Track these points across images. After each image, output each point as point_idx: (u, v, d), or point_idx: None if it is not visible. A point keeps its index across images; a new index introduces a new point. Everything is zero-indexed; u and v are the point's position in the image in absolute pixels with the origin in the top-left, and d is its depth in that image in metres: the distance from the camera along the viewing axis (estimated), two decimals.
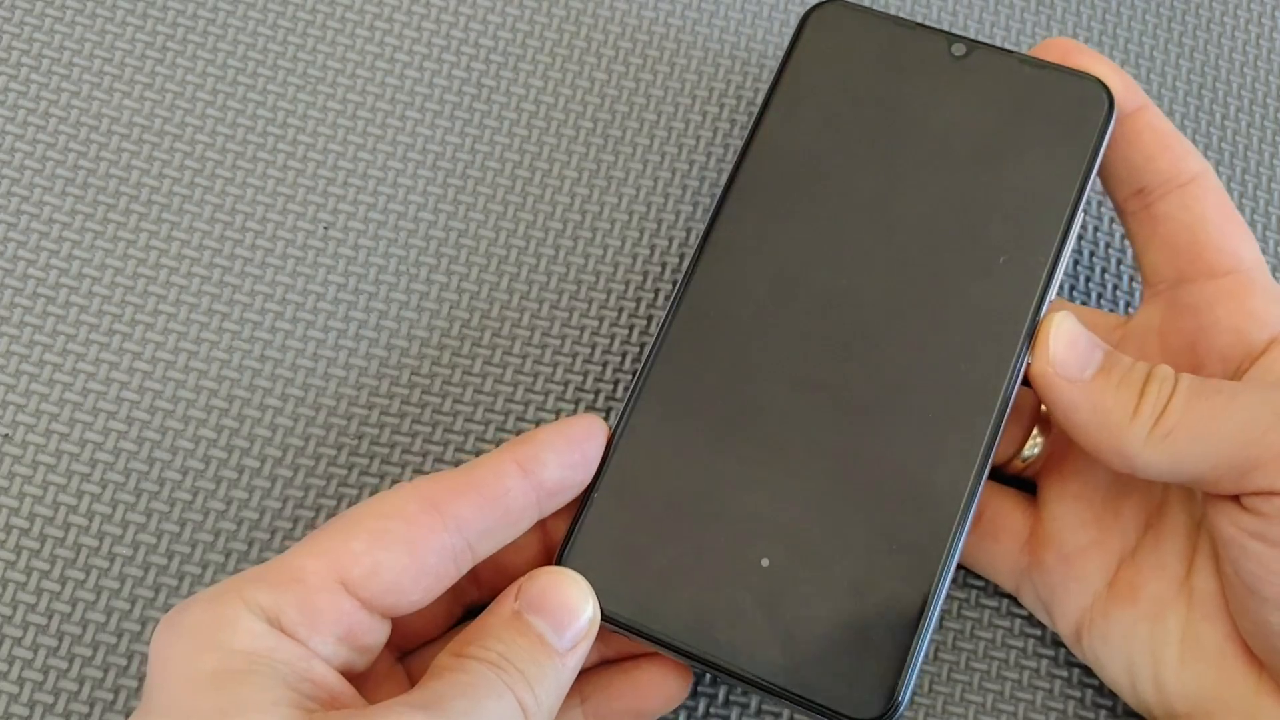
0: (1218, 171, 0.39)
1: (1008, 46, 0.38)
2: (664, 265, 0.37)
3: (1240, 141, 0.40)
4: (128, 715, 0.32)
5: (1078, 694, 0.34)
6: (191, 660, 0.26)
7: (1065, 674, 0.34)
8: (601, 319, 0.37)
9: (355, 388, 0.36)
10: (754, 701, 0.33)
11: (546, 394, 0.36)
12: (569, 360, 0.36)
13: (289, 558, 0.27)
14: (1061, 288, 0.38)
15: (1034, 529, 0.33)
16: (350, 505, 0.34)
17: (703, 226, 0.34)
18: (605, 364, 0.36)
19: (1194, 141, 0.40)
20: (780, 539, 0.30)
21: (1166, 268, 0.33)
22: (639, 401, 0.31)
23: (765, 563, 0.30)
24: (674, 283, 0.37)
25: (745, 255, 0.33)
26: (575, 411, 0.36)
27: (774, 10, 0.40)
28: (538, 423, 0.35)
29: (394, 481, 0.35)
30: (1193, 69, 0.41)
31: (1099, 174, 0.33)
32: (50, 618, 0.33)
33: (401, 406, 0.35)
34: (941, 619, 0.34)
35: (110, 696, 0.32)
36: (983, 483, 0.30)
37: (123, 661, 0.33)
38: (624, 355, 0.36)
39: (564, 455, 0.30)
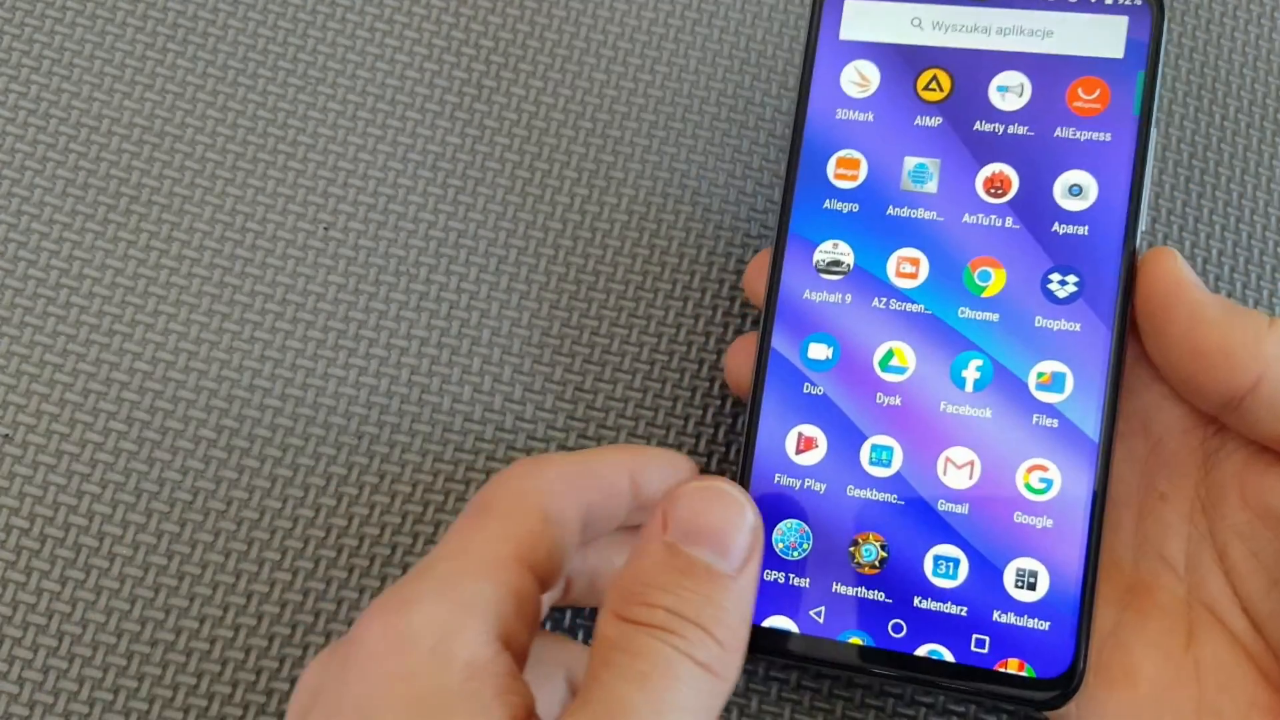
0: (1217, 173, 0.39)
1: None
2: (664, 265, 0.37)
3: (1240, 142, 0.40)
4: (128, 715, 0.32)
5: None
6: (415, 673, 0.25)
7: None
8: (601, 319, 0.37)
9: (354, 388, 0.36)
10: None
11: (545, 394, 0.36)
12: (569, 360, 0.36)
13: (480, 545, 0.27)
14: None
15: None
16: (349, 506, 0.34)
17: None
18: (605, 364, 0.36)
19: (1194, 142, 0.40)
20: (907, 521, 0.31)
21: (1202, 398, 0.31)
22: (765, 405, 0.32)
23: (891, 549, 0.31)
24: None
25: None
26: (575, 411, 0.36)
27: (774, 10, 0.40)
28: (537, 423, 0.36)
29: (393, 483, 0.35)
30: (1192, 69, 0.41)
31: None
32: (50, 618, 0.33)
33: (401, 407, 0.35)
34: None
35: (110, 697, 0.32)
36: (1110, 448, 0.31)
37: (123, 662, 0.33)
38: (624, 356, 0.36)
39: (665, 478, 0.30)
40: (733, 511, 0.27)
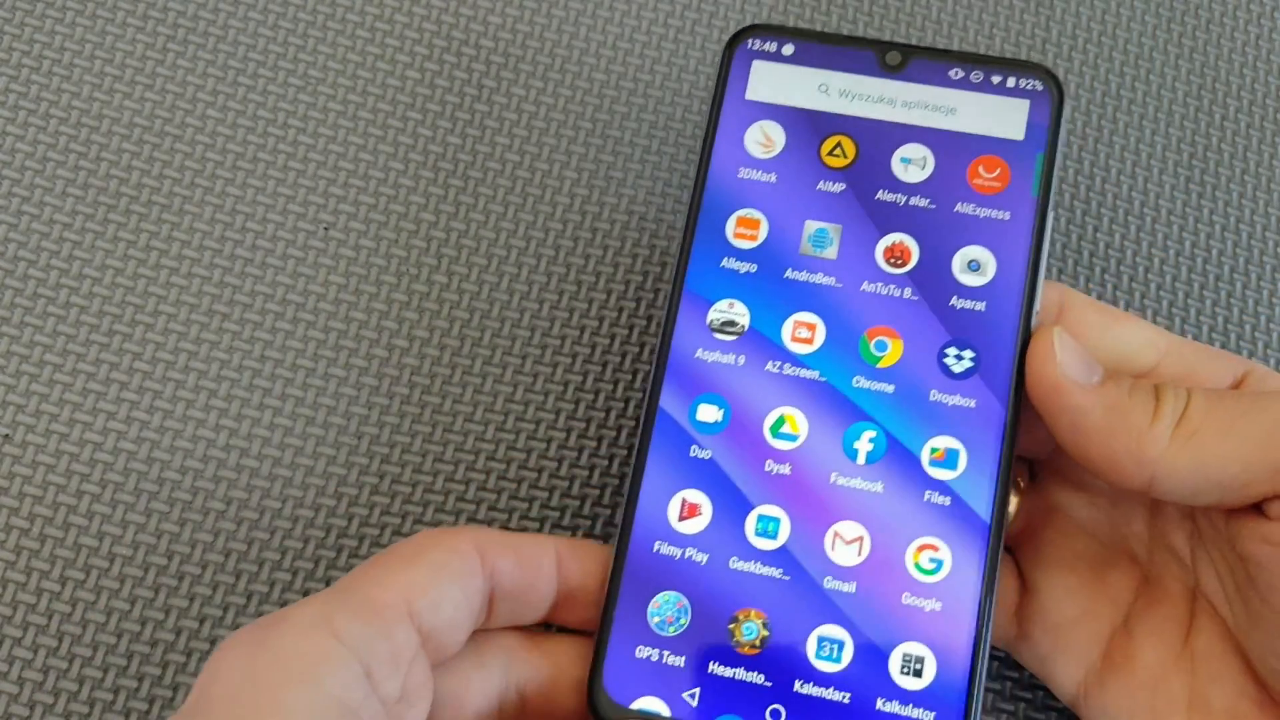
0: (1217, 173, 0.40)
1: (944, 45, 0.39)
2: (664, 265, 0.37)
3: (1240, 142, 0.40)
4: (128, 715, 0.32)
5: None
6: (287, 693, 0.25)
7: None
8: (602, 319, 0.37)
9: (355, 388, 0.36)
10: None
11: (546, 394, 0.36)
12: (569, 361, 0.36)
13: (364, 586, 0.27)
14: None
15: (1020, 599, 0.32)
16: (349, 506, 0.34)
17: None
18: (605, 364, 0.36)
19: (1194, 142, 0.40)
20: (791, 598, 0.30)
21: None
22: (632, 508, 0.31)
23: (773, 627, 0.30)
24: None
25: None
26: (576, 411, 0.36)
27: (773, 11, 0.40)
28: (537, 423, 0.36)
29: (394, 483, 0.35)
30: (1192, 69, 0.41)
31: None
32: (50, 618, 0.33)
33: (401, 407, 0.35)
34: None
35: (110, 697, 0.32)
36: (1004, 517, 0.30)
37: (123, 662, 0.33)
38: (624, 356, 0.36)
39: (592, 569, 0.30)
40: None
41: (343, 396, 0.35)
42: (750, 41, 0.34)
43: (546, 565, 0.29)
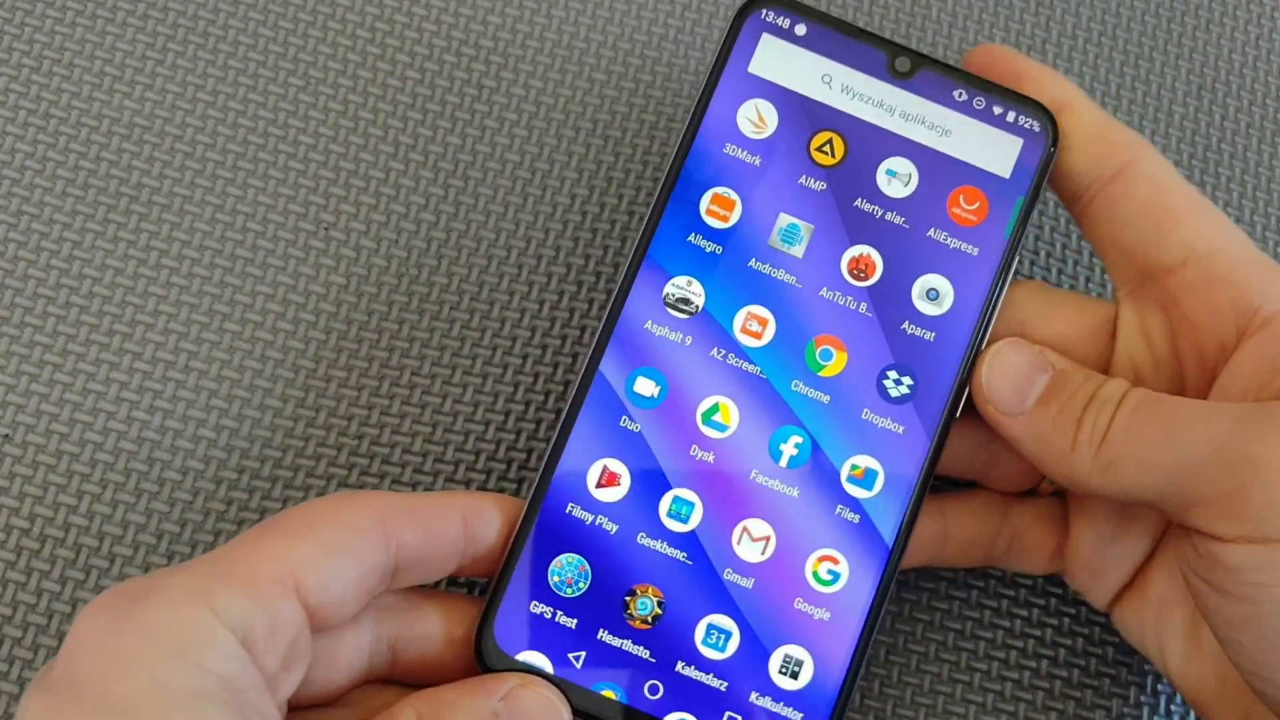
0: (1217, 173, 0.40)
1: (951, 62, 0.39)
2: None
3: (1240, 142, 0.40)
4: None
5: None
6: (163, 669, 0.24)
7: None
8: (602, 319, 0.37)
9: (355, 389, 0.36)
10: None
11: (547, 394, 0.36)
12: (569, 361, 0.36)
13: (246, 558, 0.26)
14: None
15: (1061, 541, 0.33)
16: None
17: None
18: None
19: (1194, 142, 0.40)
20: (690, 582, 0.30)
21: (1125, 269, 0.32)
22: (551, 467, 0.31)
23: (667, 607, 0.30)
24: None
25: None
26: None
27: None
28: (538, 423, 0.36)
29: (393, 484, 0.35)
30: (1192, 69, 0.41)
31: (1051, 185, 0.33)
32: (50, 618, 0.33)
33: (402, 407, 0.35)
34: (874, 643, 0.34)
35: None
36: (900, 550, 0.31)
37: None
38: None
39: (502, 520, 0.30)
40: None
41: (343, 398, 0.35)
42: (764, 12, 0.33)
43: (453, 530, 0.29)
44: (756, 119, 0.33)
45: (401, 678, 0.30)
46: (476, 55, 0.39)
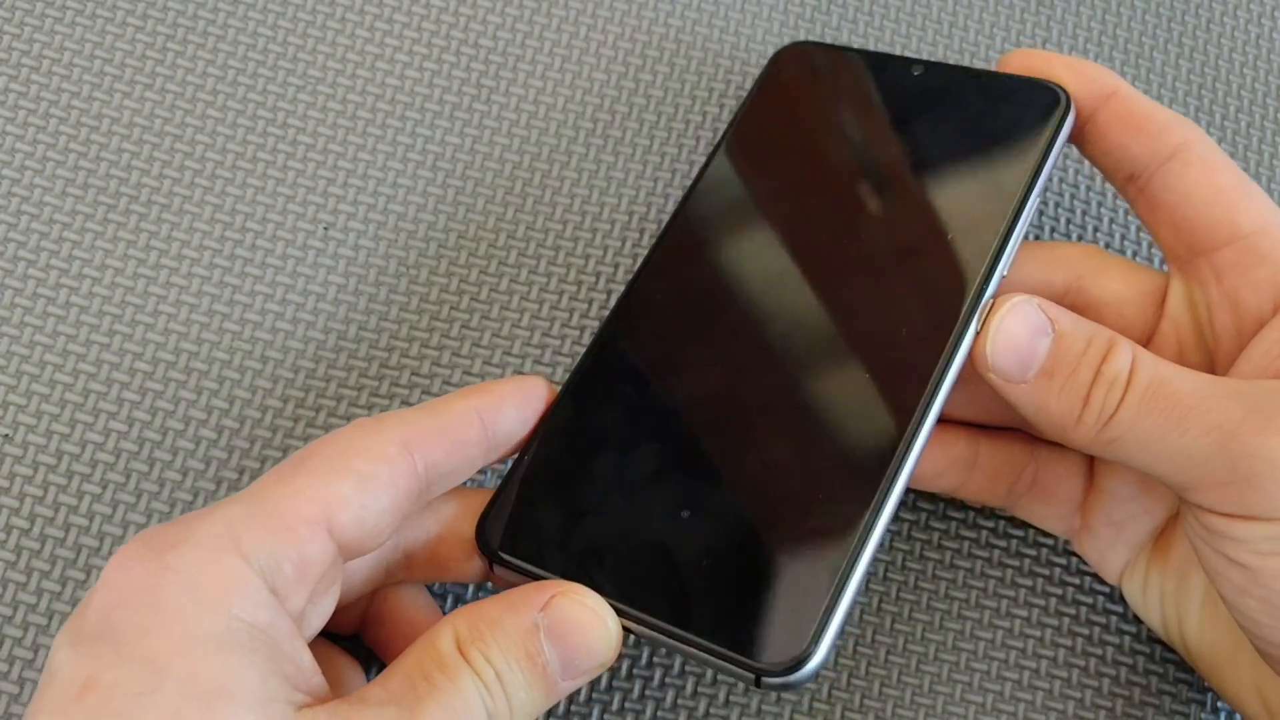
0: None
1: (976, 64, 0.39)
2: None
3: (1240, 142, 0.40)
4: None
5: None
6: (195, 618, 0.24)
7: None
8: (602, 319, 0.37)
9: (356, 389, 0.36)
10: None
11: None
12: (570, 361, 0.36)
13: (278, 499, 0.26)
14: None
15: (1087, 495, 0.34)
16: None
17: (663, 222, 0.35)
18: None
19: None
20: (703, 491, 0.30)
21: (1175, 246, 0.33)
22: (583, 366, 0.32)
23: (685, 514, 0.30)
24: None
25: (695, 253, 0.34)
26: None
27: (773, 10, 0.40)
28: None
29: None
30: (1193, 69, 0.41)
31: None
32: (50, 618, 0.33)
33: (402, 408, 0.35)
34: (867, 582, 0.34)
35: None
36: (915, 449, 0.29)
37: None
38: None
39: (519, 410, 0.30)
40: (601, 645, 0.28)
41: (343, 398, 0.35)
42: (791, 52, 0.36)
43: (474, 434, 0.29)
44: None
45: (419, 578, 0.31)
46: (476, 55, 0.39)
